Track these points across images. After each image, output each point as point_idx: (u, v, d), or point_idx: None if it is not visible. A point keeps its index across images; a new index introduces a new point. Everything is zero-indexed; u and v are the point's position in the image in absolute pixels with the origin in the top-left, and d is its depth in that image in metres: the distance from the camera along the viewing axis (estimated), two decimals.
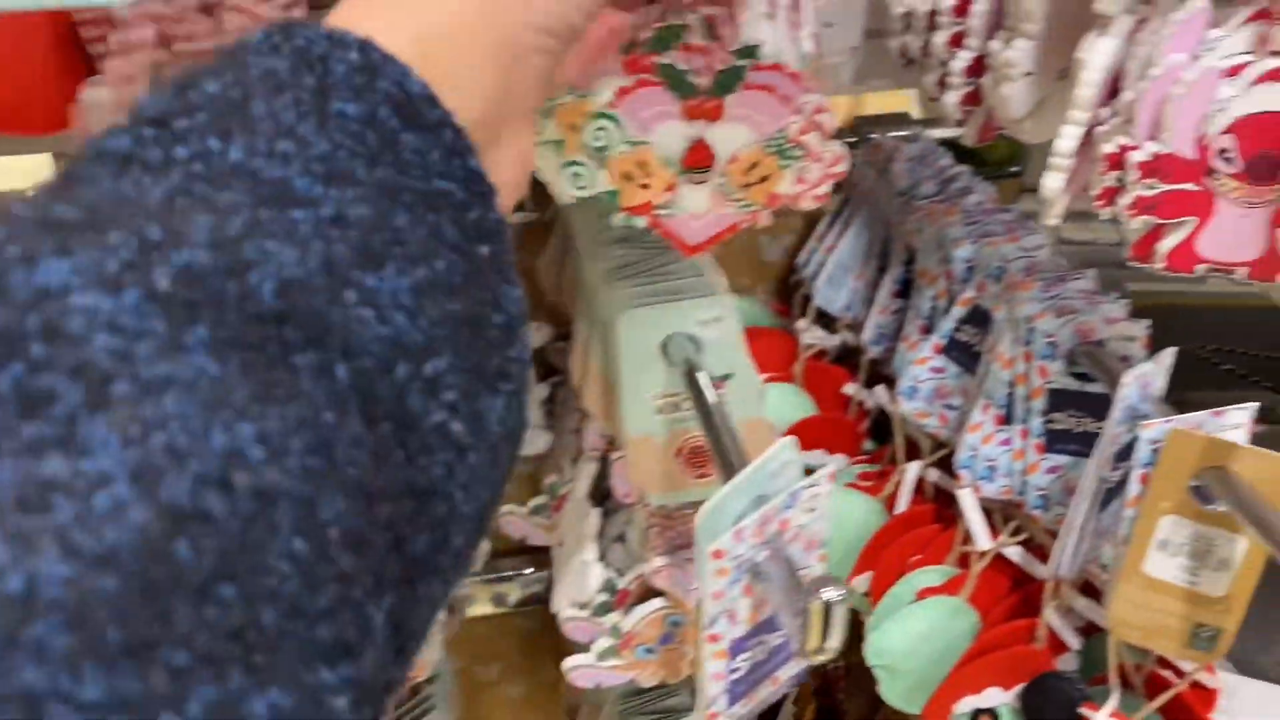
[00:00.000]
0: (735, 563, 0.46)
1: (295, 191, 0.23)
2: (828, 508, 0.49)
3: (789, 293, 0.86)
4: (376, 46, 0.26)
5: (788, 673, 0.52)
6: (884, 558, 0.68)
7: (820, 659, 0.41)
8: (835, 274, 0.80)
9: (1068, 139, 0.50)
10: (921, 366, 0.68)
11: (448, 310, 0.25)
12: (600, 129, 0.47)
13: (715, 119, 0.47)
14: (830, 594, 0.41)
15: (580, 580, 0.67)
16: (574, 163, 0.48)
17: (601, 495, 0.71)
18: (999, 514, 0.66)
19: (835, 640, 0.41)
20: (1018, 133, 0.60)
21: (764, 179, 0.49)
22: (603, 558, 0.69)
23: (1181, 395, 0.86)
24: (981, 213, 0.70)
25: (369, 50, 0.26)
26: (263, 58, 0.25)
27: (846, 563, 0.69)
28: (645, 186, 0.48)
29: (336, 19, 0.28)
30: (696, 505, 0.45)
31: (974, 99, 0.61)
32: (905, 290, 0.75)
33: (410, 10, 0.28)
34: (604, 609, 0.68)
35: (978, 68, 0.60)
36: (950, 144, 0.81)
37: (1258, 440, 0.54)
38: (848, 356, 0.81)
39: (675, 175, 0.47)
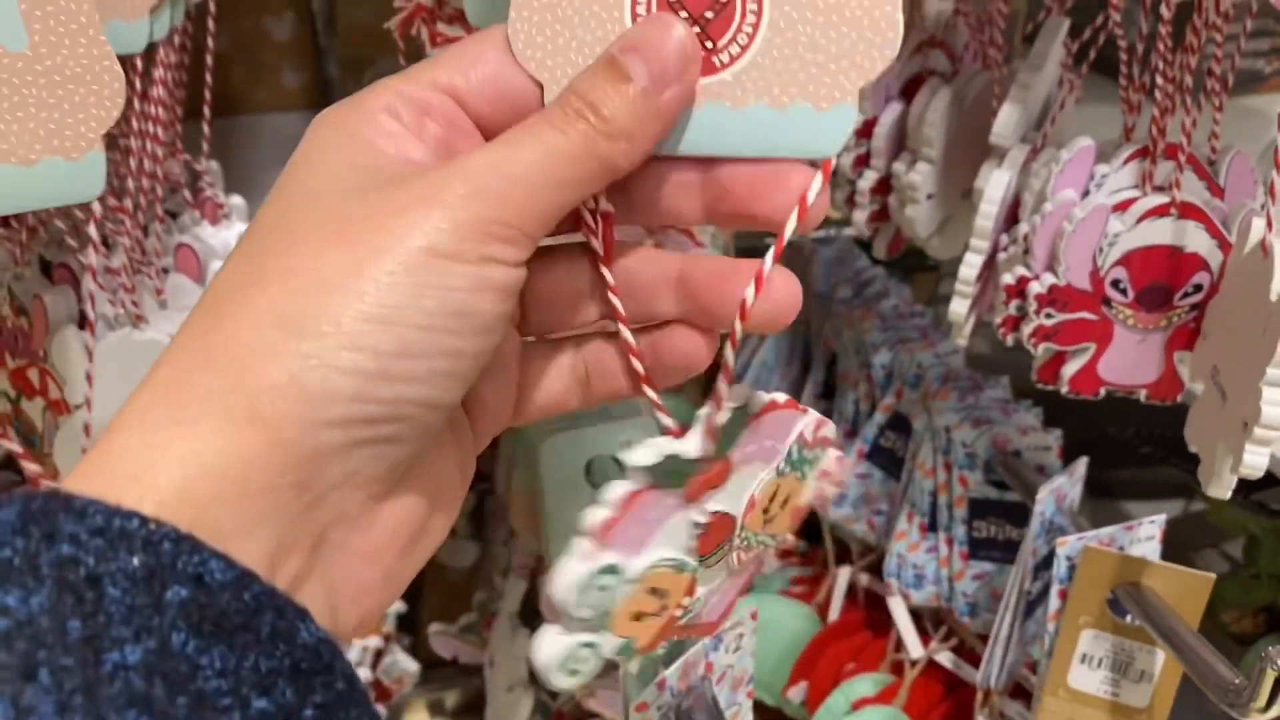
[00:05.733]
0: (660, 712, 0.45)
1: None
2: (753, 644, 0.49)
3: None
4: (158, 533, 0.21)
5: None
6: (818, 667, 0.68)
7: None
8: (760, 374, 0.80)
9: (970, 267, 0.51)
10: None
11: None
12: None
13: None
14: None
15: (512, 706, 0.66)
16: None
17: (531, 614, 0.71)
18: (930, 618, 0.67)
19: None
20: (926, 249, 0.61)
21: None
22: (534, 679, 0.68)
23: (1103, 475, 0.88)
24: (897, 317, 0.72)
25: (151, 546, 0.21)
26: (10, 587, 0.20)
27: (781, 672, 0.69)
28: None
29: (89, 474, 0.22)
30: None
31: (882, 215, 0.63)
32: (829, 390, 0.76)
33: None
34: None
35: (883, 186, 0.61)
36: (865, 242, 0.82)
37: (1178, 520, 0.55)
38: None
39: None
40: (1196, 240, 0.46)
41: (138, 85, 0.44)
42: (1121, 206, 0.46)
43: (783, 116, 0.27)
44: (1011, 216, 0.52)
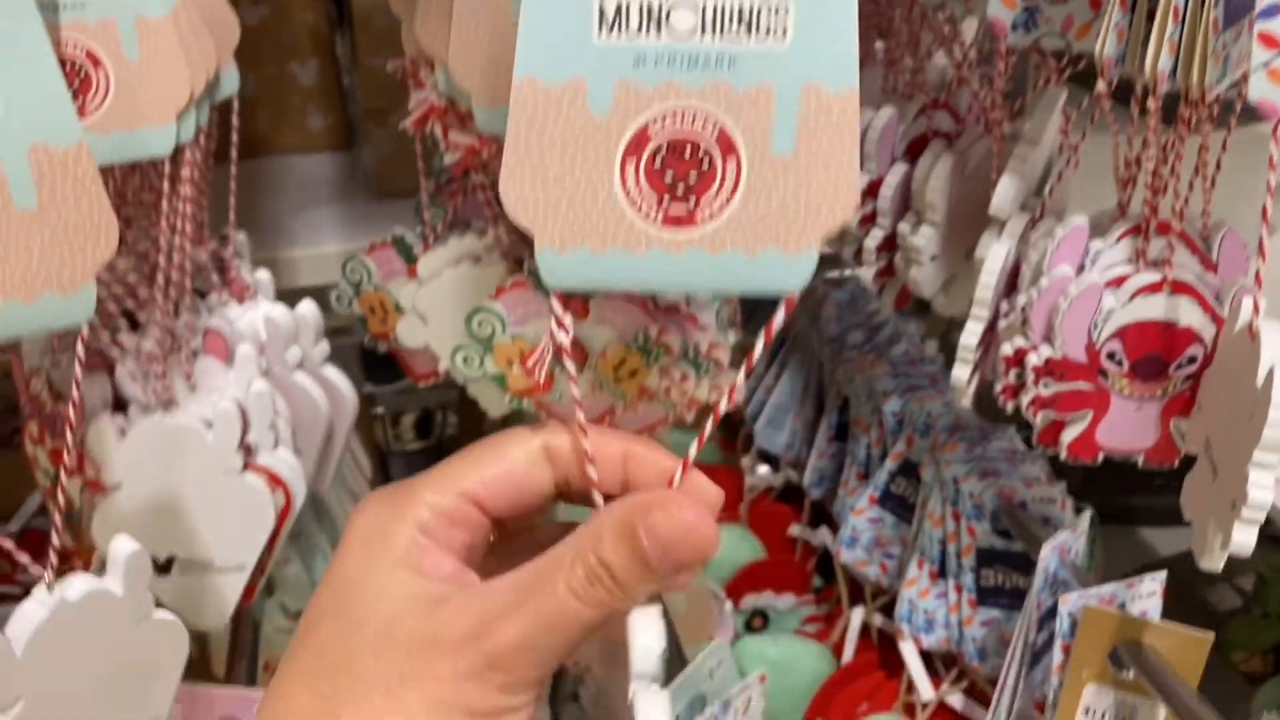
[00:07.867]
0: None
1: None
2: (762, 706, 0.51)
3: (734, 429, 0.89)
4: None
5: None
6: (833, 707, 0.69)
7: None
8: (774, 415, 0.82)
9: (971, 335, 0.53)
10: (859, 517, 0.70)
11: None
12: (481, 320, 0.52)
13: (582, 317, 0.52)
14: None
15: None
16: (460, 348, 0.53)
17: None
18: (942, 659, 0.68)
19: None
20: (933, 306, 0.62)
21: (633, 373, 0.53)
22: None
23: (1117, 501, 0.89)
24: (908, 363, 0.73)
25: None
26: None
27: (797, 710, 0.71)
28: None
29: None
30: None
31: (889, 271, 0.64)
32: (842, 432, 0.77)
33: None
34: None
35: (889, 244, 0.63)
36: None
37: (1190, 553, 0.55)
38: (792, 491, 0.84)
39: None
40: (1190, 315, 0.47)
41: (167, 177, 0.46)
42: (1115, 282, 0.47)
43: (754, 261, 0.28)
44: (1012, 281, 0.54)
